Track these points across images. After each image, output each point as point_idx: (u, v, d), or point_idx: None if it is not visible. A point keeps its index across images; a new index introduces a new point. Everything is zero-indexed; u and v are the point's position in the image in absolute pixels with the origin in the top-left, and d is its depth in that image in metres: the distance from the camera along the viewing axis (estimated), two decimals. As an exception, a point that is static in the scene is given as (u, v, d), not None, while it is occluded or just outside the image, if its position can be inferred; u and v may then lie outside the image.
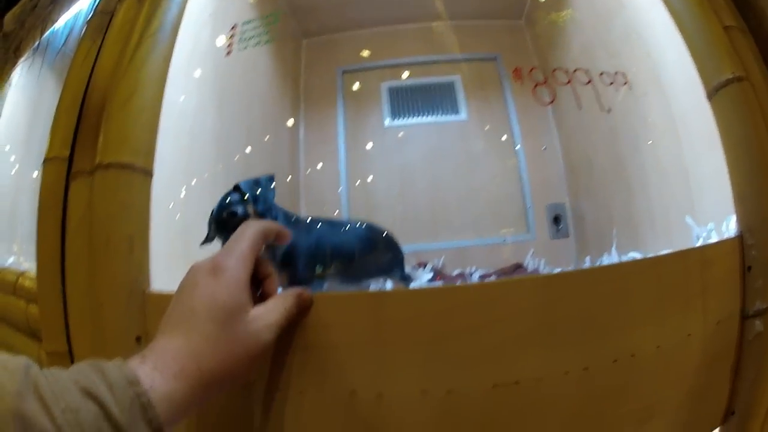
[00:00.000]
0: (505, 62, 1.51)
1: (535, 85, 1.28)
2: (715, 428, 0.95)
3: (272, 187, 1.13)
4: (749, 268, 0.91)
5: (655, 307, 0.83)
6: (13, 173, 1.70)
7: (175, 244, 1.07)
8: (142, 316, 0.89)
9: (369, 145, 1.52)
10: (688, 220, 1.10)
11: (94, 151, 0.96)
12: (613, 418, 0.82)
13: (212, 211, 1.11)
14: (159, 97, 1.02)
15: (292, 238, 0.81)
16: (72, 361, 0.97)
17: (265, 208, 1.09)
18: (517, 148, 1.48)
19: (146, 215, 0.94)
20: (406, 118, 1.50)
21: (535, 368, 0.77)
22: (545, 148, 1.50)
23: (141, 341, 0.89)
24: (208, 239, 1.11)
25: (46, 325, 1.01)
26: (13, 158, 1.73)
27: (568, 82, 1.25)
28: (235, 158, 1.35)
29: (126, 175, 0.93)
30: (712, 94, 1.01)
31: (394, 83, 1.50)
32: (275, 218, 1.12)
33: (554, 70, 1.25)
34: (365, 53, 1.49)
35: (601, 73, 1.26)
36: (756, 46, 1.06)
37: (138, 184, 0.94)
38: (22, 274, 1.25)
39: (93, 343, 0.92)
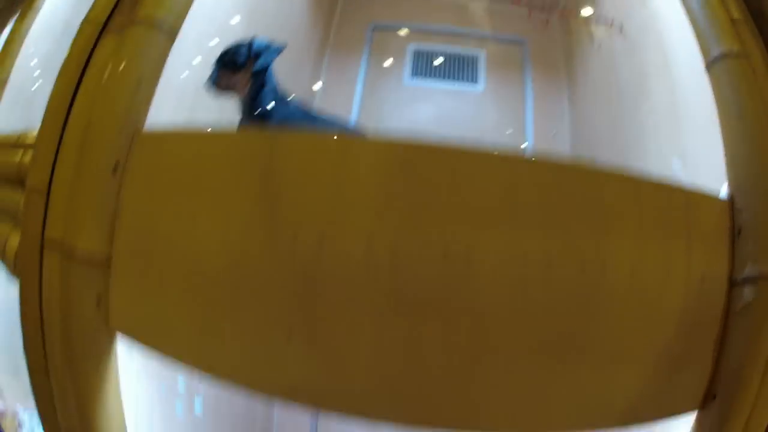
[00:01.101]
0: (531, 48, 1.55)
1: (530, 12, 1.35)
2: (692, 411, 0.89)
3: (276, 55, 1.17)
4: (739, 231, 0.88)
5: (631, 223, 0.82)
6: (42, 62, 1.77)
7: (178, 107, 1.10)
8: (126, 149, 0.93)
9: (385, 99, 1.55)
10: (675, 161, 1.09)
11: (129, 17, 1.03)
12: (581, 340, 0.80)
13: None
14: None
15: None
16: (47, 202, 1.00)
17: (260, 69, 1.13)
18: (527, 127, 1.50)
19: (159, 67, 0.99)
20: (426, 80, 1.54)
21: (492, 248, 0.76)
22: (555, 134, 1.52)
23: (117, 170, 0.92)
24: (209, 79, 1.18)
25: (37, 157, 1.05)
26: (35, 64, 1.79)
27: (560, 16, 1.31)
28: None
29: (151, 30, 1.00)
30: (711, 65, 1.02)
31: (421, 46, 1.55)
32: (263, 83, 1.17)
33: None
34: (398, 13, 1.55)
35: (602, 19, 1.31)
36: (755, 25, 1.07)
37: (160, 41, 1.00)
38: (26, 132, 1.29)
39: (76, 170, 0.94)
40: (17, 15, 1.86)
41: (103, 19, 1.06)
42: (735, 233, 0.88)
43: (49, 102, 1.07)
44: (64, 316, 0.96)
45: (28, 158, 1.19)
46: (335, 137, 0.90)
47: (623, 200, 0.83)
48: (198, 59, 1.23)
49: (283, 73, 1.47)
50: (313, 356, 0.81)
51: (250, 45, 1.17)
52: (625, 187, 0.85)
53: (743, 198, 0.89)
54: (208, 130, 0.92)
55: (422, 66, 1.55)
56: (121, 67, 0.95)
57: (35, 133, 1.26)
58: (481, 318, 0.78)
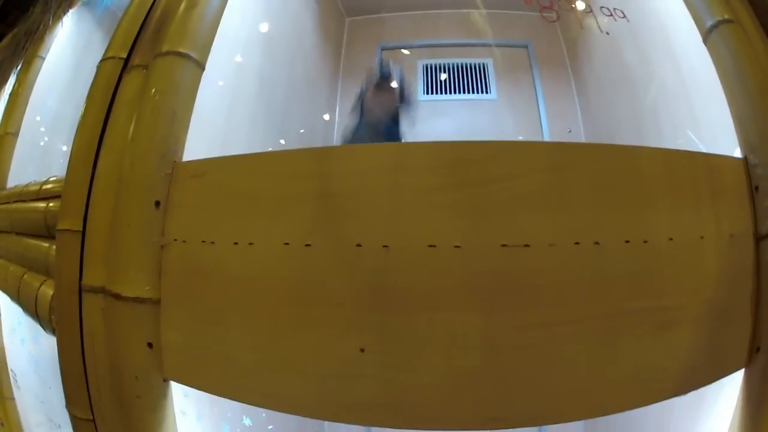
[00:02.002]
0: (535, 50, 1.58)
1: (541, 8, 1.33)
2: (739, 368, 0.90)
3: None
4: (756, 188, 0.90)
5: (666, 195, 0.84)
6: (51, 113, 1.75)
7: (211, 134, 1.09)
8: (167, 182, 0.91)
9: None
10: (688, 133, 1.12)
11: (151, 51, 1.03)
12: (631, 310, 0.80)
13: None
14: (220, 13, 1.09)
15: None
16: (83, 243, 0.99)
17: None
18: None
19: (192, 97, 0.98)
20: (439, 95, 1.55)
21: (545, 232, 0.77)
22: (570, 131, 1.53)
23: (160, 206, 0.90)
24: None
25: (67, 200, 1.03)
26: (52, 100, 1.78)
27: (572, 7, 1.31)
28: (276, 101, 1.40)
29: (182, 61, 0.99)
30: (707, 36, 1.05)
31: (430, 61, 1.57)
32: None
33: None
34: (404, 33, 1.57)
35: (601, 7, 1.32)
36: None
37: (190, 71, 1.00)
38: (47, 180, 1.27)
39: (114, 208, 0.92)
40: (20, 66, 1.85)
41: (125, 55, 1.05)
42: (753, 190, 0.91)
43: (74, 144, 1.05)
44: (114, 365, 0.93)
45: (53, 207, 1.17)
46: (385, 145, 0.88)
47: (655, 170, 0.85)
48: (217, 92, 1.23)
49: (302, 103, 1.48)
50: (390, 366, 0.79)
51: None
52: (654, 159, 0.87)
53: (756, 156, 0.92)
54: (251, 154, 0.90)
55: (433, 81, 1.57)
56: (155, 99, 0.93)
57: (57, 181, 1.25)
58: (546, 303, 0.79)
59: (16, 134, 1.74)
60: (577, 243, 0.78)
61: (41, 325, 1.15)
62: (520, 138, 1.60)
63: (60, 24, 1.76)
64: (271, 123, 1.40)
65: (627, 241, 0.79)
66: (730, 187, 0.91)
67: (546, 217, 0.78)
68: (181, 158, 0.94)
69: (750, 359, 0.90)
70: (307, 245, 0.80)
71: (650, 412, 1.22)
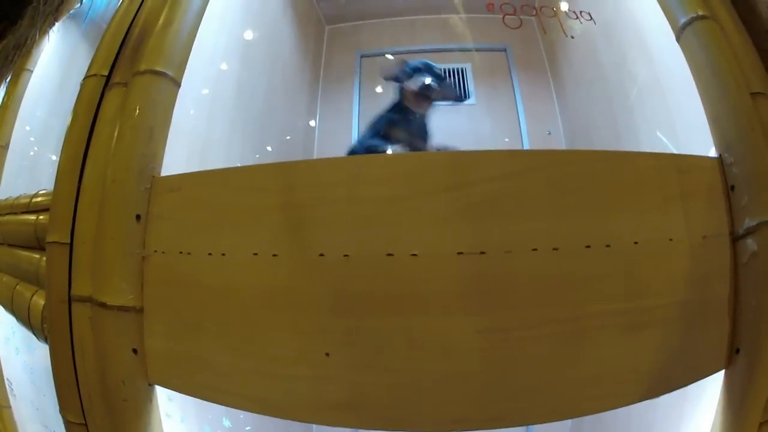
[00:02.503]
0: (513, 53, 1.61)
1: (504, 15, 1.38)
2: (719, 369, 0.91)
3: None
4: (732, 187, 0.91)
5: (629, 199, 0.85)
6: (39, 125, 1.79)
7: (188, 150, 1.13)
8: (146, 196, 0.96)
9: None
10: (659, 135, 1.15)
11: (130, 69, 1.07)
12: (595, 313, 0.82)
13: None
14: (195, 30, 1.12)
15: None
16: (71, 255, 1.03)
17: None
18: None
19: (169, 114, 1.03)
20: (419, 100, 1.58)
21: (501, 239, 0.79)
22: (549, 133, 1.57)
23: (140, 219, 0.95)
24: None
25: (55, 214, 1.07)
26: (39, 112, 1.82)
27: (535, 14, 1.36)
28: (256, 108, 1.43)
29: (158, 79, 1.03)
30: (680, 34, 1.05)
31: (411, 66, 1.59)
32: None
33: (522, 6, 1.38)
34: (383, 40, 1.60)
35: (566, 12, 1.35)
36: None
37: (166, 89, 1.04)
38: (36, 194, 1.31)
39: (98, 221, 0.96)
40: (8, 79, 1.90)
41: (106, 73, 1.09)
42: (728, 189, 0.91)
43: (61, 158, 1.09)
44: (102, 371, 0.97)
45: (43, 219, 1.21)
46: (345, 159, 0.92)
47: (617, 173, 0.86)
48: (197, 102, 1.26)
49: (282, 110, 1.52)
50: (353, 369, 0.83)
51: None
52: (617, 162, 0.88)
53: (731, 154, 0.92)
54: (222, 169, 0.94)
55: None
56: (133, 117, 0.98)
57: (46, 194, 1.30)
58: (504, 307, 0.81)
59: (6, 147, 1.78)
60: (534, 249, 0.80)
61: (34, 334, 1.20)
62: (504, 140, 1.62)
63: (47, 37, 1.80)
64: (251, 131, 1.43)
65: (588, 246, 0.81)
66: (703, 187, 0.91)
67: (501, 224, 0.80)
68: (160, 173, 0.98)
69: (729, 361, 0.90)
70: (274, 255, 0.84)
71: (636, 411, 1.26)
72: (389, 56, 1.64)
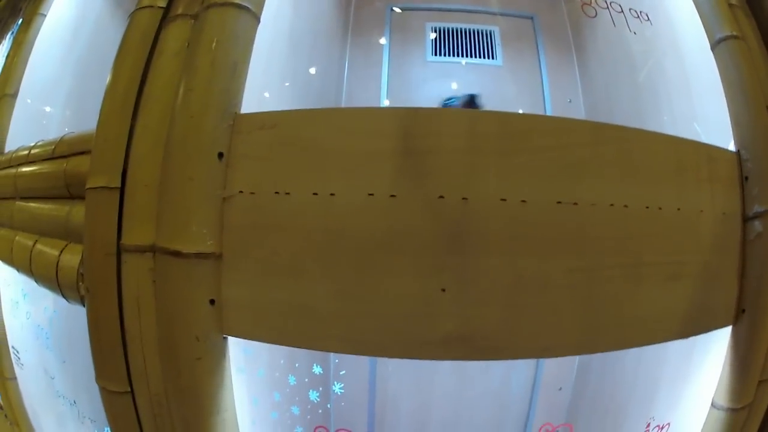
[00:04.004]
0: (540, 22, 1.63)
1: (582, 4, 1.44)
2: (729, 324, 1.09)
3: None
4: (746, 178, 1.09)
5: (675, 173, 1.01)
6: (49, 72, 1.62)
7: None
8: (229, 134, 0.88)
9: (410, 77, 1.57)
10: (696, 126, 1.30)
11: (196, 1, 0.98)
12: (650, 262, 0.97)
13: None
14: None
15: None
16: (122, 201, 0.94)
17: None
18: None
19: (250, 49, 0.95)
20: (446, 56, 1.57)
21: (588, 193, 0.91)
22: (570, 101, 1.60)
23: (223, 158, 0.87)
24: None
25: (101, 156, 0.98)
26: (53, 56, 1.65)
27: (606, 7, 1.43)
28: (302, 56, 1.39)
29: (239, 12, 0.95)
30: (715, 46, 1.20)
31: (438, 24, 1.58)
32: None
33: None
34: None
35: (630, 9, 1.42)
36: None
37: (248, 22, 0.96)
38: (59, 140, 1.17)
39: (168, 161, 0.88)
40: (18, 25, 1.71)
41: (164, 5, 1.00)
42: (743, 179, 1.10)
43: (106, 99, 0.99)
44: (167, 328, 0.90)
45: (74, 166, 1.08)
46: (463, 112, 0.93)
47: (667, 152, 1.02)
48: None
49: (313, 60, 1.45)
50: (467, 303, 0.85)
51: None
52: (667, 144, 1.03)
53: (747, 152, 1.10)
54: (330, 109, 0.89)
55: (442, 43, 1.58)
56: (211, 51, 0.89)
57: (77, 138, 1.16)
58: (589, 252, 0.92)
59: (14, 96, 1.61)
60: (611, 204, 0.93)
61: (63, 295, 1.07)
62: (527, 104, 1.64)
63: None
64: (298, 76, 1.37)
65: (647, 207, 0.96)
66: (725, 174, 1.08)
67: (588, 180, 0.92)
68: (240, 110, 0.90)
69: (737, 318, 1.09)
70: (392, 196, 0.83)
71: (641, 358, 1.35)
72: (397, 9, 1.62)
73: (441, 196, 0.83)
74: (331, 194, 0.82)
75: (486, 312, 0.86)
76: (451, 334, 0.85)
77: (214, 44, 0.90)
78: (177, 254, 0.86)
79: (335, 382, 1.23)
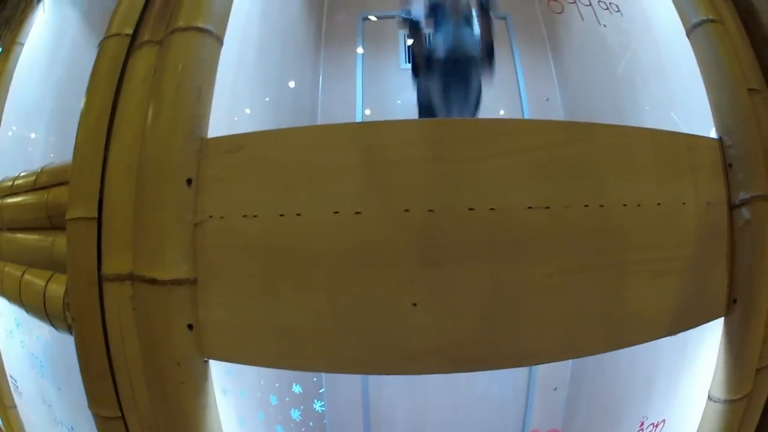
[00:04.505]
0: (514, 22, 1.62)
1: (549, 1, 1.41)
2: (720, 316, 1.08)
3: None
4: (730, 165, 1.07)
5: (653, 167, 1.00)
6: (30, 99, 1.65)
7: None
8: (196, 160, 0.89)
9: (385, 85, 1.58)
10: (674, 116, 1.27)
11: (162, 27, 1.00)
12: (633, 260, 0.95)
13: None
14: None
15: None
16: (99, 231, 0.95)
17: None
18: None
19: (214, 73, 0.96)
20: (420, 63, 1.57)
21: (562, 196, 0.90)
22: (548, 99, 1.60)
23: (192, 183, 0.88)
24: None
25: (77, 187, 0.99)
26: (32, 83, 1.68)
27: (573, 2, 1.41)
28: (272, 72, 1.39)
29: (202, 36, 0.96)
30: (690, 31, 1.19)
31: (412, 31, 1.58)
32: None
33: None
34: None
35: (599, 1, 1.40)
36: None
37: (211, 46, 0.97)
38: (40, 171, 1.19)
39: (140, 189, 0.89)
40: None
41: (131, 32, 1.01)
42: (727, 166, 1.08)
43: (80, 128, 1.01)
44: (149, 354, 0.91)
45: (55, 197, 1.11)
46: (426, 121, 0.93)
47: (644, 146, 1.01)
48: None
49: (286, 69, 1.46)
50: (441, 316, 0.86)
51: None
52: (643, 137, 1.02)
53: (730, 138, 1.08)
54: (292, 128, 0.89)
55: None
56: (177, 76, 0.90)
57: (57, 168, 1.18)
58: (567, 254, 0.92)
59: None
60: (586, 205, 0.91)
61: (52, 324, 1.09)
62: (504, 105, 1.64)
63: (41, 7, 1.65)
64: (269, 92, 1.38)
65: (624, 205, 0.94)
66: (707, 163, 1.06)
67: (561, 182, 0.91)
68: (207, 134, 0.91)
69: (729, 309, 1.07)
70: (357, 213, 0.83)
71: (635, 354, 1.34)
72: (372, 17, 1.62)
73: (406, 210, 0.83)
74: (298, 214, 0.83)
75: (462, 323, 0.86)
76: (428, 348, 0.85)
77: (179, 69, 0.91)
78: (153, 282, 0.87)
79: (315, 400, 1.24)
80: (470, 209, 0.85)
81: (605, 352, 1.03)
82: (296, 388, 1.19)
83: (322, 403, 1.22)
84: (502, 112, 1.64)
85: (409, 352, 0.85)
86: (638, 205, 0.95)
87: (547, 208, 0.88)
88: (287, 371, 1.17)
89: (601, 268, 0.93)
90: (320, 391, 1.24)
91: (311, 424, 1.23)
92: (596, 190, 0.92)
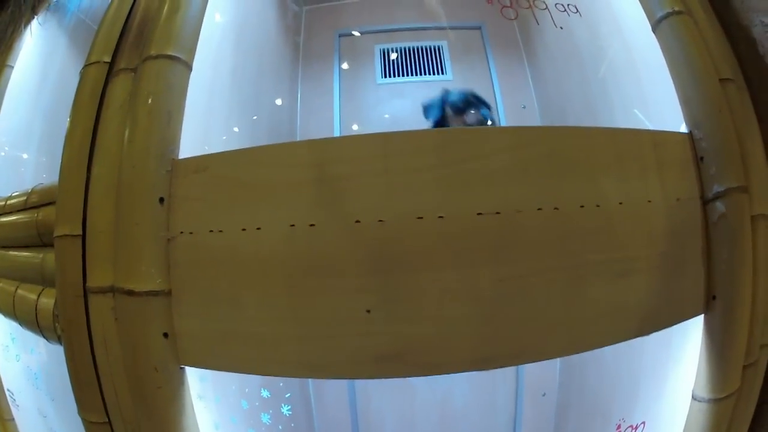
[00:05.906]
0: (489, 31, 1.67)
1: (502, 8, 1.40)
2: (699, 313, 1.06)
3: None
4: (702, 158, 1.06)
5: (614, 167, 1.00)
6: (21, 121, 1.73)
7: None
8: (168, 179, 0.96)
9: (362, 100, 1.64)
10: (636, 112, 1.27)
11: (136, 55, 1.07)
12: (592, 261, 0.96)
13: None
14: (202, 14, 1.12)
15: None
16: (84, 247, 1.02)
17: None
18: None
19: (183, 97, 1.03)
20: (397, 78, 1.63)
21: (512, 201, 0.92)
22: (524, 107, 1.64)
23: (164, 202, 0.95)
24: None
25: (64, 206, 1.06)
26: (22, 109, 1.76)
27: (528, 7, 1.40)
28: (247, 93, 1.44)
29: (171, 63, 1.02)
30: (656, 25, 1.18)
31: (386, 45, 1.65)
32: None
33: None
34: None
35: (556, 4, 1.41)
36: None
37: (180, 72, 1.04)
38: (30, 191, 1.27)
39: (119, 208, 0.96)
40: None
41: (108, 59, 1.08)
42: (698, 160, 1.07)
43: (65, 150, 1.08)
44: (130, 361, 0.97)
45: (44, 215, 1.18)
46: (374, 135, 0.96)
47: (603, 146, 1.01)
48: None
49: (265, 89, 1.52)
50: (395, 321, 0.90)
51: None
52: (604, 137, 1.02)
53: (700, 131, 1.07)
54: (251, 148, 0.95)
55: (392, 65, 1.64)
56: (148, 102, 0.97)
57: (46, 189, 1.26)
58: (519, 259, 0.93)
59: None
60: (539, 209, 0.93)
61: (44, 336, 1.16)
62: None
63: (29, 31, 1.73)
64: (247, 113, 1.44)
65: (582, 206, 0.95)
66: (676, 158, 1.05)
67: (511, 188, 0.93)
68: (178, 156, 0.98)
69: (708, 306, 1.06)
70: (311, 225, 0.89)
71: (621, 355, 1.37)
72: (356, 33, 1.68)
73: (357, 221, 0.88)
74: (258, 228, 0.90)
75: (416, 328, 0.90)
76: (384, 353, 0.90)
77: (150, 96, 0.98)
78: (131, 293, 0.93)
79: (282, 405, 1.29)
80: (419, 218, 0.89)
81: (566, 354, 1.06)
82: (264, 393, 1.25)
83: (289, 407, 1.27)
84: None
85: (366, 356, 0.90)
86: (597, 206, 0.96)
87: (498, 213, 0.91)
88: (256, 377, 1.23)
89: (557, 271, 0.94)
90: (286, 395, 1.30)
91: (280, 427, 1.28)
92: (549, 193, 0.94)
